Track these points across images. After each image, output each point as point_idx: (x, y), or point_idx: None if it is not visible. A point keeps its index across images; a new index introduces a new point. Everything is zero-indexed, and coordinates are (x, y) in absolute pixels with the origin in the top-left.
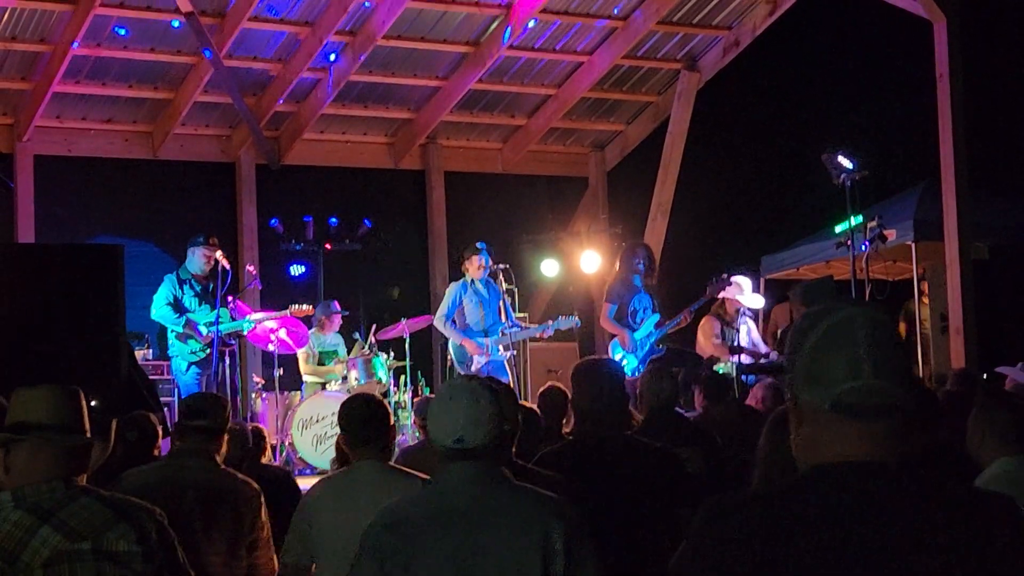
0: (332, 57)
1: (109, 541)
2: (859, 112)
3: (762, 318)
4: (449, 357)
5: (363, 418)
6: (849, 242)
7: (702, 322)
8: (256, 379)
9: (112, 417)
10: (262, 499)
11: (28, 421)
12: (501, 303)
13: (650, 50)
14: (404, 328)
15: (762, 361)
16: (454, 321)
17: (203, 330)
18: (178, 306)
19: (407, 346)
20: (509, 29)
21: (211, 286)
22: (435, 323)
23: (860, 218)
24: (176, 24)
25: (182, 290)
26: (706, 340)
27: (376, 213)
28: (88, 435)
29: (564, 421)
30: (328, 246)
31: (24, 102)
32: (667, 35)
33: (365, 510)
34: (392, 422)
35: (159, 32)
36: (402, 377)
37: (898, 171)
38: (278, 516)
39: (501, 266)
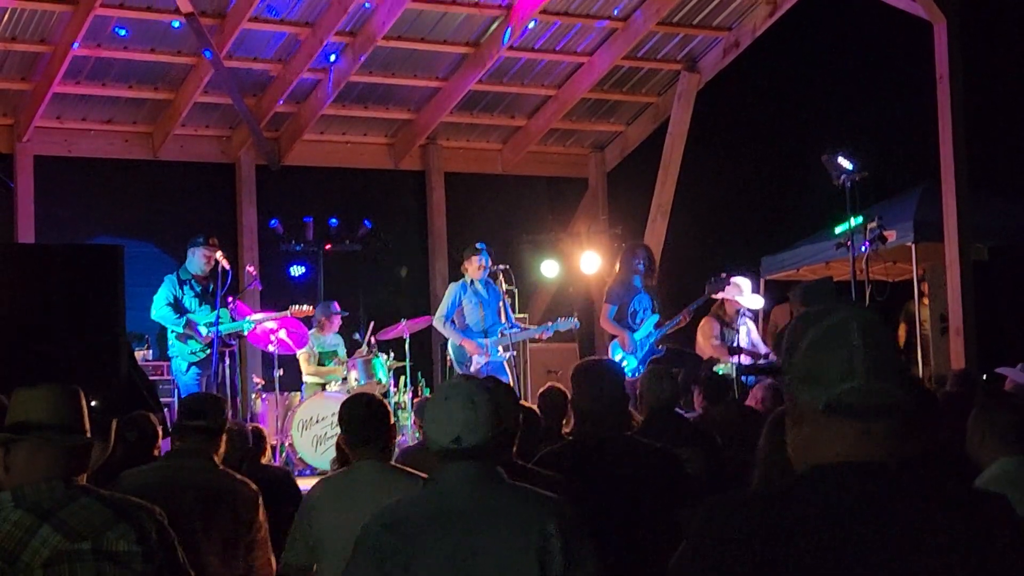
0: (332, 58)
1: (109, 541)
2: (859, 113)
3: (762, 319)
4: (448, 358)
5: (363, 418)
6: (849, 243)
7: (701, 323)
8: (256, 380)
9: (112, 417)
10: (260, 500)
11: (28, 421)
12: (501, 304)
13: (650, 51)
14: (404, 329)
15: (761, 362)
16: (453, 321)
17: (203, 331)
18: (178, 307)
19: (407, 347)
20: (509, 30)
21: (211, 287)
22: (434, 323)
23: (860, 219)
24: (176, 24)
25: (182, 290)
26: (705, 341)
27: (376, 214)
28: (88, 435)
29: (564, 422)
30: (328, 247)
31: (24, 102)
32: (667, 36)
33: (366, 510)
34: (392, 421)
35: (159, 33)
36: (402, 378)
37: (898, 172)
38: (278, 517)
39: (501, 267)
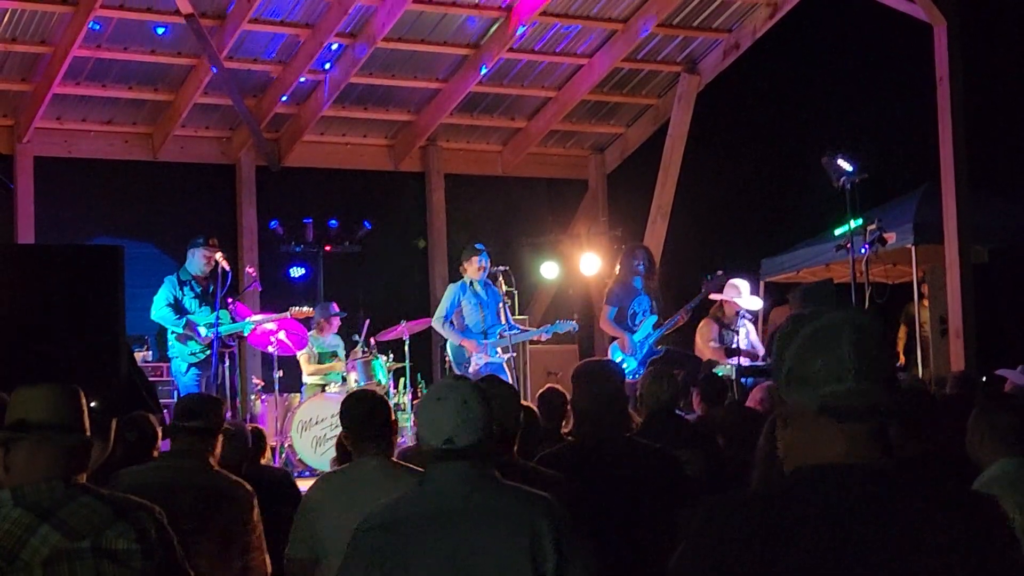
0: (327, 66)
1: (108, 539)
2: (859, 115)
3: (762, 320)
4: (447, 359)
5: (366, 414)
6: (849, 245)
7: (700, 325)
8: (256, 381)
9: (112, 417)
10: (255, 500)
11: (28, 420)
12: (500, 305)
13: (650, 53)
14: (404, 330)
15: (760, 363)
16: (452, 322)
17: (203, 332)
18: (178, 307)
19: (407, 348)
20: (509, 31)
21: (211, 288)
22: (433, 324)
23: (860, 221)
24: (161, 31)
25: (182, 291)
26: (704, 344)
27: (376, 215)
28: (88, 434)
29: (564, 423)
30: (328, 248)
31: (24, 103)
32: (667, 38)
33: (369, 507)
34: (394, 418)
35: (159, 34)
36: (401, 379)
37: (898, 174)
38: (278, 518)
39: (501, 268)
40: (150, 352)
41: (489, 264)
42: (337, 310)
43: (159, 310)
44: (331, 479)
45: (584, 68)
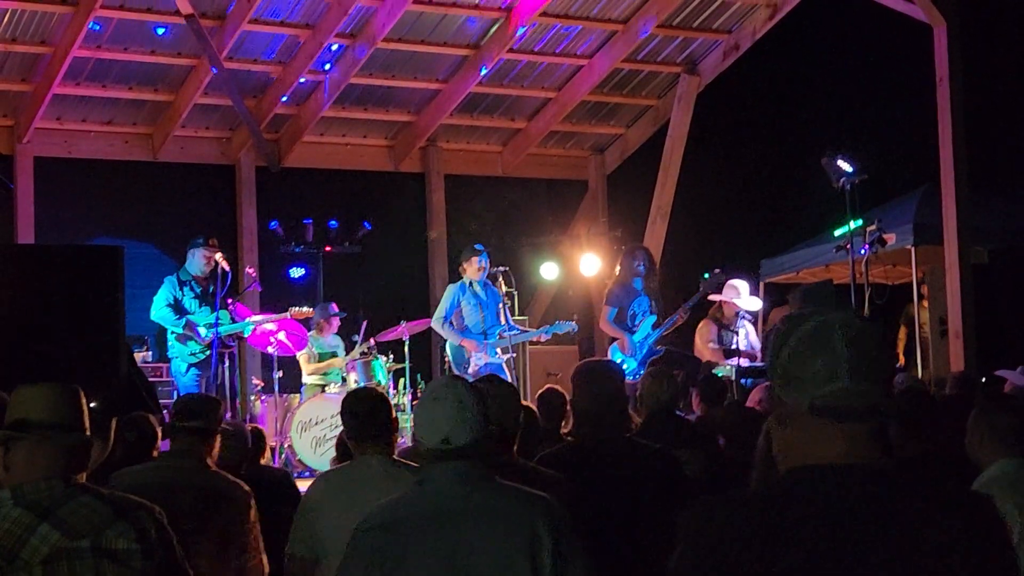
0: (327, 67)
1: (108, 539)
2: (859, 116)
3: (761, 321)
4: (447, 359)
5: (367, 412)
6: (849, 246)
7: (699, 326)
8: (255, 381)
9: (112, 417)
10: (252, 501)
11: (28, 419)
12: (500, 306)
13: (650, 54)
14: (403, 331)
15: (760, 364)
16: (451, 323)
17: (203, 332)
18: (178, 308)
19: (406, 348)
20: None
21: (211, 288)
22: (432, 324)
23: (860, 222)
24: (161, 32)
25: (182, 292)
26: (703, 344)
27: (376, 216)
28: (88, 434)
29: (563, 423)
30: (328, 249)
31: (24, 104)
32: (667, 39)
33: (372, 504)
34: (395, 415)
35: (159, 34)
36: (401, 380)
37: (898, 175)
38: (277, 518)
39: (501, 269)
40: (150, 352)
41: (489, 265)
42: (337, 310)
43: (159, 310)
44: (331, 478)
45: (584, 69)
